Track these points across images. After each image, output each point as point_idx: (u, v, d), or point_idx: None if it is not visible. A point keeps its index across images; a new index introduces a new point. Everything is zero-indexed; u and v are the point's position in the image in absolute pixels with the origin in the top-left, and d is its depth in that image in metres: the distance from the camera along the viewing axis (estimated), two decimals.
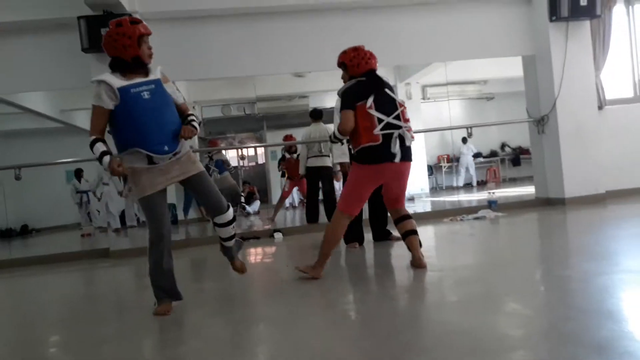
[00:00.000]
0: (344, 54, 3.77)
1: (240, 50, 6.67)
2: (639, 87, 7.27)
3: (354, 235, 4.84)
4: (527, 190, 8.71)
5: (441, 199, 10.08)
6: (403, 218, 3.75)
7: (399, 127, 3.48)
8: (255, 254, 5.48)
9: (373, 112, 3.42)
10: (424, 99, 12.74)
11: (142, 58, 2.88)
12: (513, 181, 13.40)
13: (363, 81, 3.58)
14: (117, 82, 2.78)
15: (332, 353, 2.09)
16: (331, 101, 12.20)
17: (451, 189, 12.99)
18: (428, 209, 8.30)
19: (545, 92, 7.01)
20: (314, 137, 7.11)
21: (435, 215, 6.83)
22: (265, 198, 13.18)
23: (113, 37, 2.84)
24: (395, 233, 5.04)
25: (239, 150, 13.94)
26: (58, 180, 10.63)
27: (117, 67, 2.86)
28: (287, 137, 9.07)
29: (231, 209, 3.18)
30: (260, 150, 13.91)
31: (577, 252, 3.96)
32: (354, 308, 2.89)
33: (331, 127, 5.49)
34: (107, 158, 2.75)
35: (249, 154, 14.08)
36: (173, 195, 9.86)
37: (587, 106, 6.85)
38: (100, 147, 2.77)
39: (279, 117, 13.19)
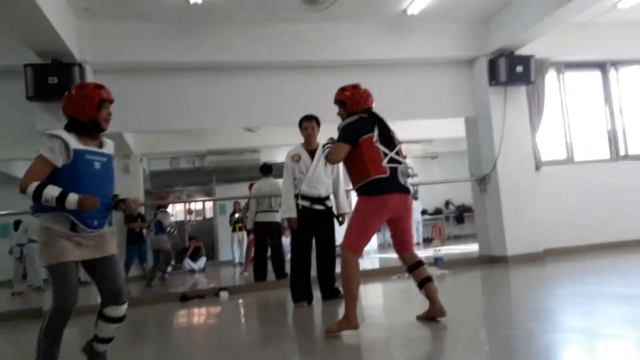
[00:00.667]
0: (342, 91, 3.81)
1: (191, 103, 6.67)
2: (571, 149, 7.75)
3: (302, 293, 4.76)
4: (471, 247, 8.92)
5: (389, 255, 10.15)
6: (418, 265, 3.70)
7: (400, 163, 3.55)
8: (198, 314, 5.27)
9: (379, 145, 3.48)
10: None
11: (99, 122, 2.86)
12: (457, 238, 13.71)
13: (365, 117, 3.63)
14: (74, 142, 2.73)
15: None
16: (282, 156, 12.39)
17: None
18: (377, 265, 8.32)
19: (486, 152, 7.34)
20: (264, 191, 7.10)
21: (384, 272, 6.84)
22: (212, 254, 12.86)
23: (74, 98, 2.83)
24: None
25: (187, 204, 13.67)
26: None
27: (73, 128, 2.81)
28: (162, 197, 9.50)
29: (126, 304, 2.91)
30: (209, 205, 13.70)
31: (520, 310, 4.04)
32: None
33: (280, 182, 5.52)
34: (74, 196, 2.59)
35: (197, 208, 13.81)
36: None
37: (525, 166, 7.21)
38: (54, 188, 2.60)
39: (229, 170, 13.11)
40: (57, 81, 5.68)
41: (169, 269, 9.25)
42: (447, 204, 14.67)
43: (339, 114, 3.83)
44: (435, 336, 3.26)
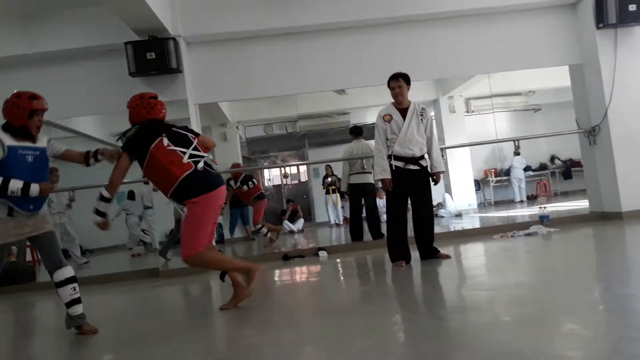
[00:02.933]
0: (129, 101, 3.73)
1: (281, 69, 6.75)
2: None
3: (399, 254, 4.74)
4: (581, 204, 8.36)
5: (490, 214, 9.80)
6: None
7: (202, 156, 3.51)
8: (300, 273, 5.45)
9: (174, 148, 3.44)
10: (467, 112, 12.50)
11: (30, 128, 3.22)
12: (565, 195, 12.91)
13: (145, 126, 3.57)
14: (8, 140, 3.14)
15: None
16: (372, 117, 12.22)
17: (501, 204, 12.63)
18: (477, 225, 8.07)
19: (595, 102, 6.74)
20: (356, 153, 7.08)
21: (485, 232, 6.62)
22: (309, 216, 13.20)
23: (9, 104, 3.22)
24: (443, 251, 4.92)
25: (282, 168, 14.05)
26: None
27: (8, 129, 3.20)
28: (235, 166, 9.40)
29: (68, 267, 3.32)
30: (303, 168, 13.96)
31: (637, 269, 3.73)
32: (401, 328, 2.80)
33: (372, 144, 5.46)
34: (35, 186, 3.09)
35: (292, 173, 14.15)
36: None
37: None
38: (17, 181, 3.06)
39: (321, 134, 13.24)
40: (154, 56, 6.00)
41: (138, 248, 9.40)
42: (553, 158, 13.76)
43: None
44: (544, 296, 3.10)
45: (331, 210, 11.47)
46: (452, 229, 7.60)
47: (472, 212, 10.48)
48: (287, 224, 11.17)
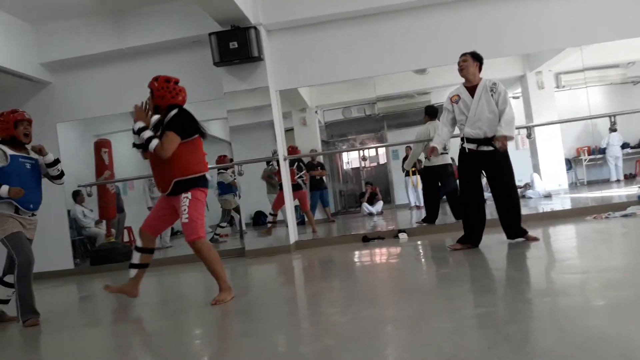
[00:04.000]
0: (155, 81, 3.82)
1: (359, 52, 6.73)
2: None
3: (466, 237, 4.67)
4: None
5: (583, 195, 9.24)
6: (152, 251, 3.86)
7: None
8: (380, 254, 5.47)
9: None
10: (558, 87, 11.76)
11: (18, 137, 3.84)
12: None
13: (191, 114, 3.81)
14: (9, 151, 3.79)
15: (463, 356, 2.00)
16: None
17: (594, 183, 11.85)
18: (567, 206, 7.64)
19: None
20: (433, 135, 6.94)
21: (577, 213, 6.26)
22: (388, 198, 13.14)
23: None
24: (532, 233, 4.73)
25: (360, 151, 14.06)
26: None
27: (3, 142, 3.83)
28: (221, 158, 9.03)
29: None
30: (382, 151, 13.87)
31: None
32: (485, 311, 2.75)
33: None
34: (5, 187, 3.64)
35: (370, 155, 14.11)
36: None
37: None
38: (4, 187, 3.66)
39: (400, 115, 13.04)
40: (237, 45, 6.19)
41: (221, 230, 9.12)
42: None
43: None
44: (639, 281, 2.91)
45: (411, 192, 11.33)
46: (541, 211, 7.27)
47: (563, 192, 9.93)
48: (366, 206, 11.19)
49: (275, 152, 7.57)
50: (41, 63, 6.93)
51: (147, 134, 3.55)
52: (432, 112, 7.21)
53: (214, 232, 9.03)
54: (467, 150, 4.58)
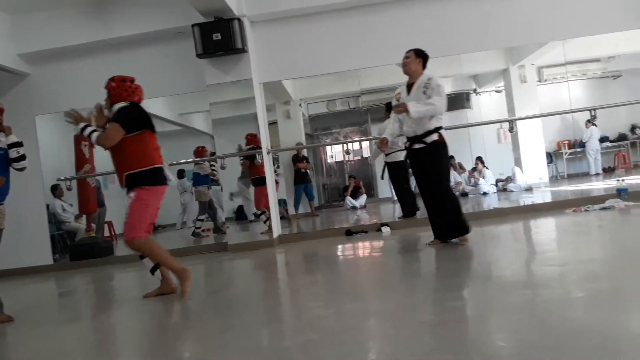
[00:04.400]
0: (111, 81, 3.85)
1: (344, 44, 6.71)
2: None
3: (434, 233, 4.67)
4: None
5: (562, 188, 9.37)
6: None
7: None
8: (363, 248, 5.49)
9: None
10: (540, 81, 11.89)
11: None
12: None
13: (141, 108, 3.86)
14: None
15: (446, 350, 2.01)
16: None
17: (574, 177, 12.03)
18: (548, 199, 7.75)
19: None
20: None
21: (557, 206, 6.35)
22: (371, 192, 13.17)
23: None
24: (511, 226, 4.77)
25: (344, 144, 14.06)
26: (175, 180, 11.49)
27: None
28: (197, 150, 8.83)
29: None
30: (365, 144, 13.90)
31: None
32: (466, 304, 2.77)
33: None
34: None
35: (354, 148, 14.13)
36: (283, 191, 10.22)
37: None
38: None
39: (384, 109, 13.07)
40: (220, 37, 6.12)
41: (201, 223, 8.91)
42: (634, 128, 12.86)
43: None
44: (619, 272, 2.96)
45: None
46: (522, 204, 7.35)
47: (544, 185, 10.06)
48: (349, 200, 11.22)
49: (240, 147, 7.50)
50: (19, 54, 6.77)
51: (89, 129, 3.69)
52: (392, 108, 7.24)
53: (195, 226, 8.94)
54: (404, 148, 4.63)
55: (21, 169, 3.92)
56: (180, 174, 10.86)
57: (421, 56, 4.57)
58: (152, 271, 3.90)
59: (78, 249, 7.27)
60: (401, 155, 6.79)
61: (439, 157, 4.44)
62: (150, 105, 9.21)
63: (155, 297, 3.86)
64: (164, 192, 3.84)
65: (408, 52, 4.60)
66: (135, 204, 3.64)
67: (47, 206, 7.55)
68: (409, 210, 6.97)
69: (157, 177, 3.75)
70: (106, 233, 9.46)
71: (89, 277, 5.91)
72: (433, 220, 4.62)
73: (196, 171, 8.85)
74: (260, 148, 6.81)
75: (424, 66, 4.58)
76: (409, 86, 4.54)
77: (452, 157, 11.45)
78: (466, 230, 4.45)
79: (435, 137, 4.38)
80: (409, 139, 4.54)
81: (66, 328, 3.47)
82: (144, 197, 3.66)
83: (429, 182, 4.50)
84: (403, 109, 4.30)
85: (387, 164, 7.17)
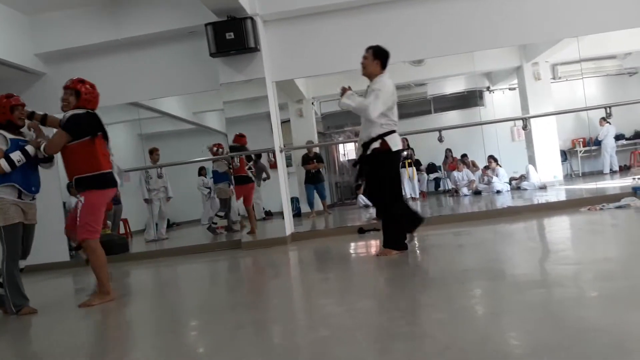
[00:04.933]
0: (81, 83, 3.96)
1: (356, 42, 6.65)
2: None
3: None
4: None
5: (577, 186, 9.28)
6: None
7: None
8: (375, 246, 5.49)
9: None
10: (554, 78, 11.77)
11: (14, 122, 3.88)
12: None
13: (94, 114, 3.95)
14: (9, 135, 3.82)
15: (459, 347, 2.02)
16: (450, 88, 11.86)
17: (589, 175, 11.90)
18: (562, 197, 7.68)
19: None
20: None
21: (571, 205, 6.30)
22: None
23: None
24: (523, 224, 4.74)
25: (357, 143, 14.01)
26: (193, 178, 11.55)
27: (2, 127, 3.84)
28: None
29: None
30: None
31: None
32: (479, 302, 2.77)
33: None
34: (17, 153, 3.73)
35: None
36: (296, 189, 10.26)
37: None
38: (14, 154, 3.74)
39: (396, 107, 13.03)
40: (233, 36, 6.15)
41: (218, 220, 8.97)
42: None
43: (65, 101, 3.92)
44: (634, 271, 2.93)
45: (407, 183, 11.33)
46: (536, 202, 7.30)
47: (558, 184, 9.98)
48: (362, 198, 11.20)
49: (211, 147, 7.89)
50: (36, 54, 6.87)
51: (43, 144, 3.88)
52: None
53: (211, 222, 9.00)
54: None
55: (49, 167, 4.13)
56: (200, 172, 10.97)
57: (380, 56, 4.43)
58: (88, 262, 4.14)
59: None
60: None
61: (379, 165, 4.29)
62: (165, 104, 9.41)
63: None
64: (113, 194, 4.07)
65: (367, 50, 4.46)
66: (85, 207, 3.82)
67: (64, 204, 7.65)
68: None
69: (104, 181, 3.90)
70: (122, 230, 9.55)
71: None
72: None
73: (215, 169, 8.96)
74: (244, 148, 7.03)
75: (384, 66, 4.45)
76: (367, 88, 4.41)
77: (465, 155, 11.43)
78: (396, 246, 4.33)
79: (376, 144, 4.27)
80: (362, 144, 4.43)
81: (83, 322, 3.52)
82: (94, 200, 3.85)
83: (370, 189, 4.44)
84: (342, 92, 4.36)
85: None
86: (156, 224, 9.04)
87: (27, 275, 6.33)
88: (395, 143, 4.30)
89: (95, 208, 3.85)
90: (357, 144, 4.61)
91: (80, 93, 3.90)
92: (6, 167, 3.68)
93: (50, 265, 6.83)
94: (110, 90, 6.89)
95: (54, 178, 6.98)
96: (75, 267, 6.87)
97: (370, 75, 4.42)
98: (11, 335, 3.48)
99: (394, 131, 4.33)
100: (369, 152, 4.30)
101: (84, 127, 3.82)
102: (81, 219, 3.82)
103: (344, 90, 4.40)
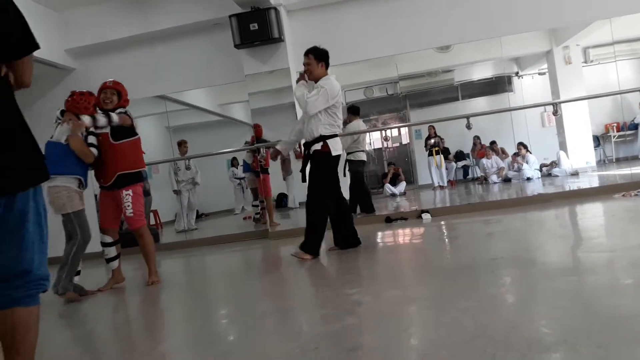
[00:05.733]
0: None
1: (380, 30, 6.64)
2: None
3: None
4: None
5: (611, 172, 9.03)
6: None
7: None
8: (403, 235, 5.46)
9: None
10: (586, 62, 11.44)
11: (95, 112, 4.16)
12: None
13: None
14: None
15: (488, 336, 1.99)
16: (478, 74, 11.63)
17: (623, 160, 11.56)
18: (595, 184, 7.49)
19: None
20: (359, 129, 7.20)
21: (604, 191, 6.14)
22: (411, 178, 13.06)
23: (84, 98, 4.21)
24: (555, 212, 4.64)
25: (382, 131, 13.96)
26: (220, 169, 11.67)
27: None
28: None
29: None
30: (404, 130, 13.75)
31: None
32: (509, 290, 2.73)
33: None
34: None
35: (393, 135, 14.00)
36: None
37: None
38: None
39: (423, 94, 12.88)
40: (257, 27, 6.16)
41: (256, 209, 8.89)
42: None
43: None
44: None
45: (434, 172, 11.23)
46: (568, 189, 7.14)
47: (590, 170, 9.73)
48: (388, 187, 11.15)
49: (247, 142, 7.84)
50: (66, 50, 7.02)
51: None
52: (354, 110, 7.42)
53: (255, 212, 9.08)
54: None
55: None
56: (232, 163, 11.11)
57: (322, 58, 4.44)
58: (109, 260, 4.43)
59: (125, 237, 7.49)
60: (362, 155, 7.23)
61: (316, 166, 4.33)
62: (191, 96, 9.49)
63: (110, 288, 4.37)
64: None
65: (307, 55, 4.43)
66: (134, 199, 4.20)
67: (96, 196, 7.83)
68: (367, 207, 7.13)
69: (142, 175, 4.38)
70: (152, 222, 9.73)
71: (136, 264, 6.12)
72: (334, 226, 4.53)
73: (246, 160, 9.04)
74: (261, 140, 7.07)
75: (327, 66, 4.49)
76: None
77: (494, 142, 11.24)
78: (310, 251, 4.30)
79: (318, 146, 4.30)
80: (305, 143, 4.47)
81: (115, 312, 3.62)
82: (139, 192, 4.28)
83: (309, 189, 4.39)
84: (301, 77, 4.44)
85: (347, 161, 7.29)
86: (186, 215, 9.19)
87: (53, 267, 6.54)
88: (335, 147, 4.36)
89: (141, 198, 4.29)
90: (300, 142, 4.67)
91: (122, 94, 4.27)
92: (96, 154, 4.04)
93: (84, 256, 7.00)
94: (138, 84, 7.02)
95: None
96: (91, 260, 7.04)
97: (317, 79, 4.44)
98: (45, 323, 3.60)
99: (336, 135, 4.40)
100: (311, 152, 4.33)
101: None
102: (134, 210, 4.19)
103: (300, 77, 4.44)
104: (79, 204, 3.99)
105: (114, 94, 4.23)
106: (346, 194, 4.76)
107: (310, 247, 4.32)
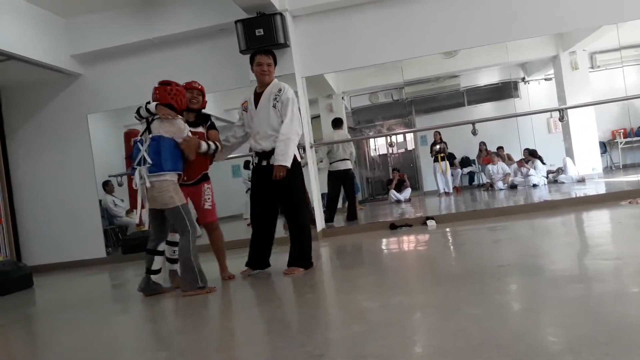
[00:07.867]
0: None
1: (386, 36, 6.64)
2: None
3: (250, 260, 4.54)
4: None
5: (617, 179, 8.97)
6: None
7: None
8: (408, 242, 5.44)
9: None
10: (592, 67, 11.39)
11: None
12: None
13: None
14: None
15: (494, 344, 1.97)
16: (484, 79, 11.58)
17: (630, 167, 11.48)
18: (602, 190, 7.44)
19: None
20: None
21: (611, 198, 6.09)
22: (416, 184, 13.02)
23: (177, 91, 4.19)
24: (564, 219, 4.60)
25: (387, 137, 13.94)
26: (224, 175, 11.67)
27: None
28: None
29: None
30: (409, 136, 13.72)
31: None
32: (515, 297, 2.70)
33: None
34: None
35: (398, 141, 13.98)
36: (326, 185, 10.24)
37: None
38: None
39: (428, 100, 12.86)
40: (262, 32, 6.17)
41: None
42: None
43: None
44: None
45: (440, 178, 11.19)
46: (574, 196, 7.09)
47: (597, 177, 9.67)
48: (393, 193, 11.12)
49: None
50: (72, 55, 7.06)
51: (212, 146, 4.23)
52: (336, 123, 8.02)
53: None
54: (254, 165, 4.28)
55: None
56: (247, 165, 11.12)
57: (275, 61, 4.26)
58: (151, 272, 4.06)
59: (129, 242, 7.54)
60: (343, 165, 7.63)
61: (296, 177, 4.14)
62: None
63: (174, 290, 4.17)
64: None
65: (266, 54, 4.19)
66: (211, 193, 4.33)
67: (100, 202, 7.86)
68: (330, 215, 7.45)
69: None
70: None
71: (140, 270, 6.12)
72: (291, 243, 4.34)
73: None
74: None
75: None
76: (258, 96, 4.17)
77: (500, 148, 11.20)
78: (304, 264, 4.22)
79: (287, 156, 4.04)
80: (256, 154, 4.22)
81: (121, 317, 3.61)
82: (211, 188, 4.38)
83: (284, 204, 4.23)
84: (277, 175, 4.01)
85: (329, 172, 7.67)
86: (196, 219, 9.19)
87: (65, 272, 6.55)
88: (298, 153, 4.23)
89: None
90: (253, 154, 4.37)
91: (204, 97, 4.34)
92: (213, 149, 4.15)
93: (87, 262, 7.04)
94: (144, 89, 7.02)
95: (90, 177, 7.21)
96: (111, 263, 7.06)
97: (270, 82, 4.18)
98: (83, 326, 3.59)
99: None
100: (271, 162, 4.07)
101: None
102: (212, 204, 4.34)
103: (282, 171, 4.00)
104: (181, 198, 3.92)
105: (200, 95, 4.28)
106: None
107: (304, 260, 4.24)
